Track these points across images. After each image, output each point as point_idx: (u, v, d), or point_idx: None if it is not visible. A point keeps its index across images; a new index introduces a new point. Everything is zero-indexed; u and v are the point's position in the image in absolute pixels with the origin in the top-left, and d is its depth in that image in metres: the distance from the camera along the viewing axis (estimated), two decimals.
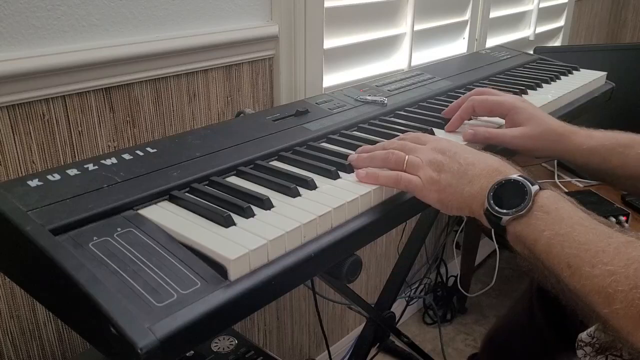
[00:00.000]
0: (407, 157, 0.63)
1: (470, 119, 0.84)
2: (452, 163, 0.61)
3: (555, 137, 0.76)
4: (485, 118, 0.84)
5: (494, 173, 0.58)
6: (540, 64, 1.24)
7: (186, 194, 0.58)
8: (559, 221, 0.53)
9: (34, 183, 0.55)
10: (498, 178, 0.57)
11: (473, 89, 1.02)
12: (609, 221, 0.53)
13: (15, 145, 0.78)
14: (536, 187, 0.55)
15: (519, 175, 0.57)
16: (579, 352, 0.84)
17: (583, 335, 0.84)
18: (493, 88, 0.86)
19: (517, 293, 1.25)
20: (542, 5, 1.95)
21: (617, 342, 0.48)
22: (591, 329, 0.83)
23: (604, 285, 0.47)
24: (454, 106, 0.84)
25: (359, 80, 1.23)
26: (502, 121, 0.82)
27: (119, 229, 0.50)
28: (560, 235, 0.52)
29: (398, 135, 0.76)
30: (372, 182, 0.62)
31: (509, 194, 0.56)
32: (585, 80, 1.11)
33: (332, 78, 1.23)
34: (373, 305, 1.27)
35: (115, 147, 0.90)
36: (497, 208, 0.56)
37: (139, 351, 0.38)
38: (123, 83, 0.87)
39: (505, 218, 0.55)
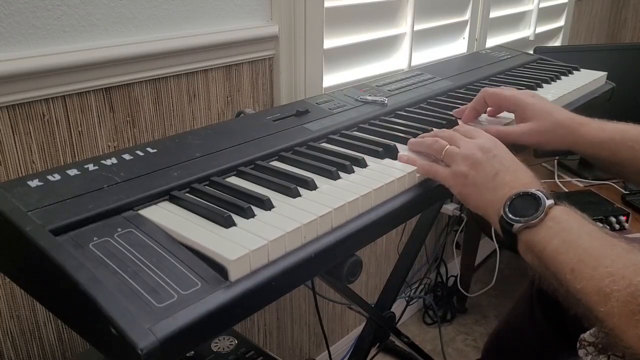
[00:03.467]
0: (447, 147, 0.67)
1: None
2: (487, 165, 0.63)
3: (563, 131, 0.77)
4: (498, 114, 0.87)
5: (518, 186, 0.60)
6: (541, 64, 1.24)
7: (186, 194, 0.58)
8: (567, 230, 0.55)
9: (34, 183, 0.54)
10: (519, 190, 0.59)
11: (473, 88, 1.02)
12: (617, 234, 0.54)
13: (15, 145, 0.78)
14: (551, 201, 0.57)
15: (537, 190, 0.58)
16: (581, 352, 0.84)
17: (586, 335, 0.83)
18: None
19: (517, 294, 1.24)
20: (542, 5, 1.95)
21: (613, 341, 0.49)
22: (594, 329, 0.83)
23: (601, 286, 0.49)
24: (464, 107, 0.86)
25: (359, 80, 1.23)
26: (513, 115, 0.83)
27: (119, 230, 0.50)
28: (567, 242, 0.53)
29: (398, 136, 0.77)
30: (412, 164, 0.68)
31: (524, 206, 0.58)
32: (585, 80, 1.11)
33: (332, 78, 1.23)
34: (373, 305, 1.27)
35: (115, 147, 0.89)
36: (510, 215, 0.58)
37: (140, 352, 0.38)
38: (123, 83, 0.87)
39: (517, 225, 0.57)
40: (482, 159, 0.64)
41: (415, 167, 0.68)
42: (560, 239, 0.54)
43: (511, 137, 0.78)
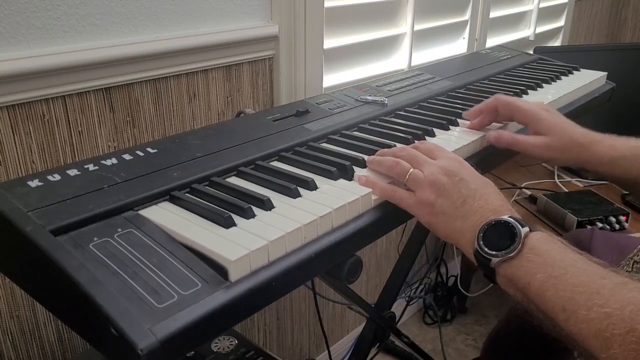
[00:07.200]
0: (410, 170, 0.63)
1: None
2: (453, 190, 0.60)
3: (577, 149, 0.75)
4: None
5: (488, 213, 0.57)
6: (541, 64, 1.24)
7: (186, 194, 0.58)
8: (551, 263, 0.52)
9: (34, 183, 0.54)
10: (490, 218, 0.56)
11: (473, 88, 1.02)
12: (602, 261, 0.52)
13: (15, 145, 0.78)
14: (526, 228, 0.54)
15: (510, 217, 0.56)
16: (577, 352, 0.84)
17: None
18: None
19: None
20: (542, 5, 1.95)
21: None
22: None
23: (600, 329, 0.46)
24: (473, 111, 0.83)
25: (359, 80, 1.23)
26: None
27: (119, 230, 0.50)
28: (553, 277, 0.51)
29: (398, 136, 0.77)
30: (371, 187, 0.62)
31: (498, 235, 0.55)
32: (585, 81, 1.11)
33: (332, 78, 1.23)
34: (373, 305, 1.27)
35: (115, 147, 0.89)
36: (486, 249, 0.55)
37: (140, 352, 0.38)
38: (123, 83, 0.87)
39: (494, 260, 0.55)
40: (448, 184, 0.60)
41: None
42: (545, 273, 0.51)
43: (525, 147, 0.77)
